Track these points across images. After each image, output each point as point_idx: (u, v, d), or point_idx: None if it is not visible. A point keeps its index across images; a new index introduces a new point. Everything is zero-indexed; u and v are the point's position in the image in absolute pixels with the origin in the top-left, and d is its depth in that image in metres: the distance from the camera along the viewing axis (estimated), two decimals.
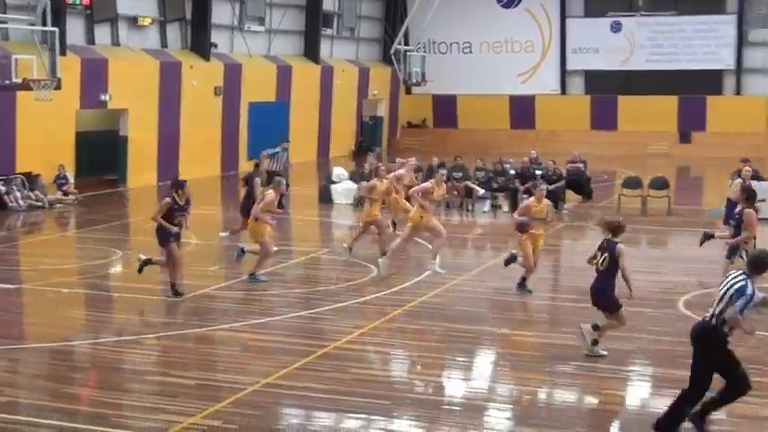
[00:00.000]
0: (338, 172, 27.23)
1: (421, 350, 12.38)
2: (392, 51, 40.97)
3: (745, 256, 13.16)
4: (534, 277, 15.95)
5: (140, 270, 15.27)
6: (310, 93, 39.11)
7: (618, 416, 10.07)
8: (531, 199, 15.31)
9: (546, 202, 15.20)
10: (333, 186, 26.44)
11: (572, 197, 25.68)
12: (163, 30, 32.25)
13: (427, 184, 17.11)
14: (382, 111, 44.93)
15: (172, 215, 14.58)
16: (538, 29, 44.29)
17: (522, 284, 15.22)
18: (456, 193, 24.75)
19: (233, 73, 34.51)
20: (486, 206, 24.89)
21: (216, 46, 33.89)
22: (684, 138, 41.90)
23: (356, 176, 26.28)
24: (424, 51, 43.93)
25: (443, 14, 41.21)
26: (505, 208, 24.44)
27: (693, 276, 16.55)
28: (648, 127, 41.32)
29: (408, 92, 45.58)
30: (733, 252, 14.03)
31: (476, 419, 9.76)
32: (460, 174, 25.47)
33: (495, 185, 25.47)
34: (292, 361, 11.47)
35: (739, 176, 19.09)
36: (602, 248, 11.55)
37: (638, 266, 15.36)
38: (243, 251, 16.43)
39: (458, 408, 10.22)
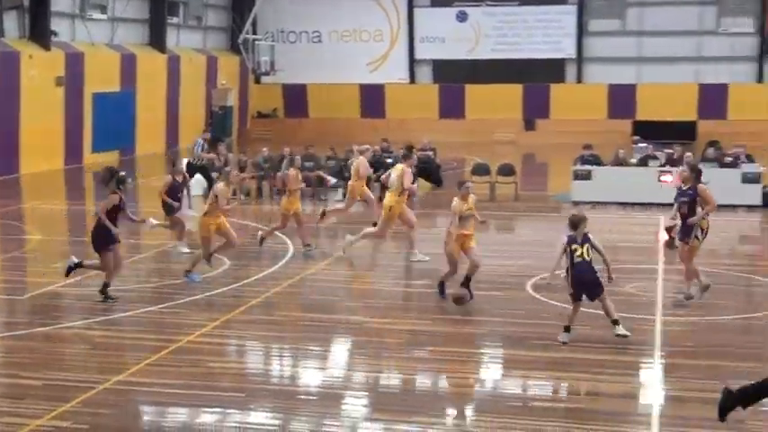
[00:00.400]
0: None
1: (276, 341, 12.29)
2: (240, 40, 40.53)
3: (700, 236, 13.43)
4: (387, 263, 16.10)
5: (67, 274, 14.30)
6: (157, 82, 38.28)
7: (472, 398, 10.23)
8: (456, 200, 13.91)
9: (472, 198, 14.09)
10: None
11: (423, 185, 25.98)
12: None
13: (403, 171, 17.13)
14: (232, 100, 44.41)
15: (116, 214, 13.69)
16: (386, 18, 44.61)
17: (441, 286, 14.12)
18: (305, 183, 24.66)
19: (75, 62, 33.40)
20: (339, 195, 24.91)
21: (56, 34, 32.72)
22: (529, 125, 43.05)
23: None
24: (273, 40, 43.66)
25: (292, 3, 41.01)
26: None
27: (541, 260, 16.97)
28: (495, 115, 42.23)
29: (258, 81, 45.20)
30: (687, 234, 13.51)
31: (333, 408, 9.75)
32: (312, 163, 25.41)
33: (346, 174, 25.48)
34: (144, 357, 11.20)
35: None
36: (578, 242, 11.67)
37: (489, 251, 15.66)
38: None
39: (314, 397, 10.18)
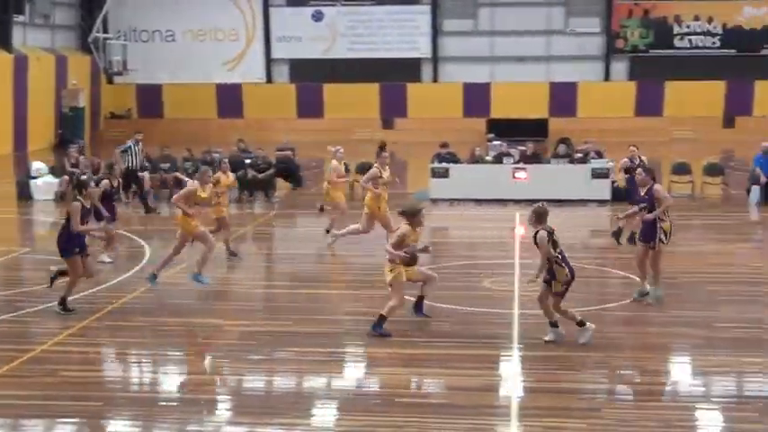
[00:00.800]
0: (37, 166, 25.82)
1: (135, 347, 12.01)
2: (90, 39, 39.46)
3: (665, 239, 13.37)
4: (247, 265, 15.99)
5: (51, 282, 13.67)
6: (3, 83, 36.90)
7: (336, 397, 10.24)
8: (405, 227, 12.12)
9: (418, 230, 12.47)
10: (32, 182, 25.08)
11: (282, 185, 25.89)
12: None
13: (375, 171, 17.35)
14: (83, 101, 43.15)
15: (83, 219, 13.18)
16: (242, 17, 44.21)
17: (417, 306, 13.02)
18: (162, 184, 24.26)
19: None
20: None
21: None
22: (387, 124, 43.42)
23: (57, 170, 25.08)
24: (125, 39, 42.69)
25: (144, 2, 40.13)
26: None
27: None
28: (353, 114, 42.44)
29: (110, 81, 44.11)
30: (650, 237, 13.41)
31: (194, 413, 9.60)
32: (168, 165, 24.97)
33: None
34: None
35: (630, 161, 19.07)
36: (552, 233, 11.59)
37: (349, 250, 15.73)
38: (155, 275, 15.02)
39: (175, 403, 10.01)
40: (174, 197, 15.07)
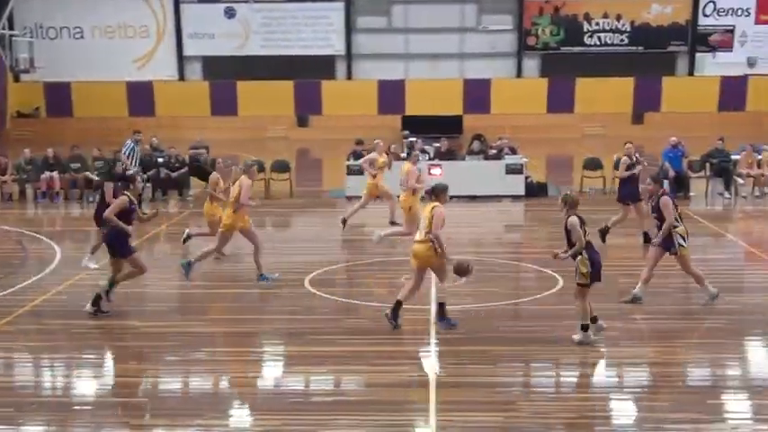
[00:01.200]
0: None
1: (47, 350, 11.75)
2: None
3: (684, 242, 13.19)
4: (162, 265, 15.79)
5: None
6: None
7: (254, 397, 10.17)
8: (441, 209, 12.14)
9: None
10: None
11: (196, 183, 25.59)
12: None
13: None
14: None
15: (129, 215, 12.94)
16: (152, 13, 43.61)
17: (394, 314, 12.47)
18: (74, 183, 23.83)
19: None
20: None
21: None
22: (302, 121, 43.32)
23: None
24: (32, 36, 41.75)
25: None
26: None
27: (317, 255, 17.11)
28: (267, 111, 42.22)
29: (17, 79, 43.09)
30: (670, 244, 13.29)
31: (110, 417, 9.45)
32: (78, 164, 24.51)
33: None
34: None
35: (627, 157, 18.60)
36: (584, 222, 11.39)
37: (266, 249, 15.61)
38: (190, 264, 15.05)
39: (89, 407, 9.83)
40: (242, 199, 14.67)
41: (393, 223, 18.81)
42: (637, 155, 18.40)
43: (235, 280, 15.35)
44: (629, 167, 17.83)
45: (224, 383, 10.64)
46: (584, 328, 11.46)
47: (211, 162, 17.70)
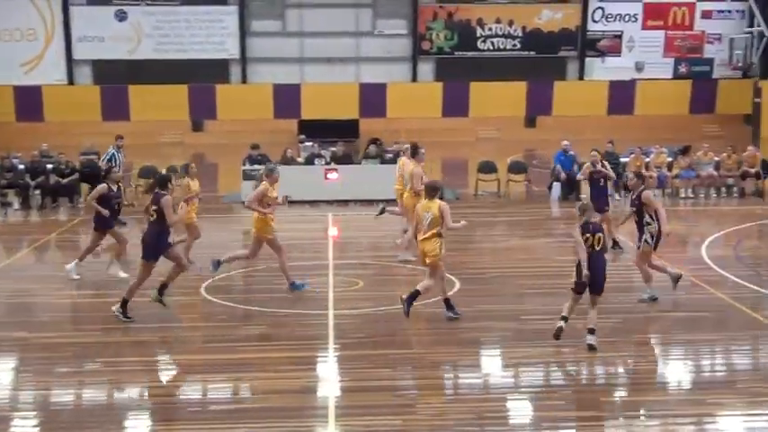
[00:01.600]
0: None
1: None
2: None
3: (650, 240, 13.46)
4: (52, 274, 15.40)
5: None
6: None
7: (150, 407, 9.98)
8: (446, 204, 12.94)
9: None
10: None
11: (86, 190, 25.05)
12: None
13: (418, 171, 16.29)
14: None
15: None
16: (39, 16, 42.46)
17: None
18: None
19: None
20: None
21: None
22: (197, 126, 42.79)
23: None
24: None
25: None
26: (16, 205, 23.36)
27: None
28: (161, 116, 41.56)
29: None
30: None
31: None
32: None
33: (3, 182, 24.07)
34: None
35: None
36: (591, 231, 11.33)
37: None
38: (219, 263, 14.63)
39: None
40: (246, 200, 14.43)
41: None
42: (600, 164, 18.04)
43: (124, 288, 15.02)
44: (590, 176, 17.87)
45: (119, 394, 10.40)
46: (591, 331, 11.43)
47: (184, 166, 17.53)
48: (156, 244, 12.88)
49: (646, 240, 13.56)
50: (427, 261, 12.66)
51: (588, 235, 11.34)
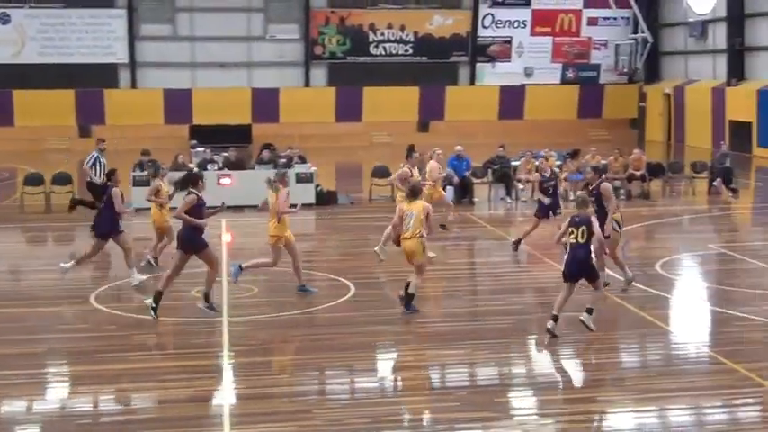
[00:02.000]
0: None
1: None
2: None
3: (618, 228, 14.22)
4: None
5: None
6: None
7: (38, 420, 9.69)
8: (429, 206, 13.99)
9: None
10: None
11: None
12: None
13: (405, 171, 17.22)
14: None
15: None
16: None
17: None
18: None
19: None
20: None
21: None
22: (84, 131, 41.67)
23: None
24: None
25: None
26: None
27: (103, 270, 16.55)
28: (47, 122, 40.50)
29: None
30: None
31: None
32: None
33: None
34: None
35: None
36: (576, 224, 11.83)
37: (45, 265, 15.00)
38: (240, 268, 14.19)
39: None
40: (278, 211, 14.01)
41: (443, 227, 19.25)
42: (550, 170, 18.73)
43: (17, 299, 14.60)
44: (540, 185, 18.25)
45: (6, 407, 10.07)
46: (554, 318, 11.93)
47: (154, 168, 17.14)
48: (197, 242, 12.98)
49: (614, 229, 14.26)
50: (414, 262, 13.17)
51: (572, 228, 11.96)
